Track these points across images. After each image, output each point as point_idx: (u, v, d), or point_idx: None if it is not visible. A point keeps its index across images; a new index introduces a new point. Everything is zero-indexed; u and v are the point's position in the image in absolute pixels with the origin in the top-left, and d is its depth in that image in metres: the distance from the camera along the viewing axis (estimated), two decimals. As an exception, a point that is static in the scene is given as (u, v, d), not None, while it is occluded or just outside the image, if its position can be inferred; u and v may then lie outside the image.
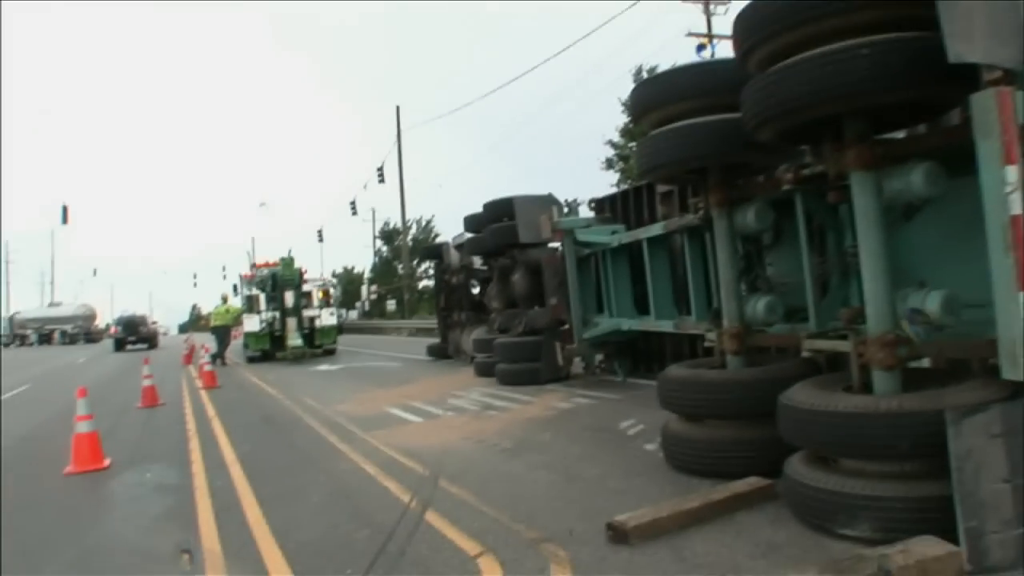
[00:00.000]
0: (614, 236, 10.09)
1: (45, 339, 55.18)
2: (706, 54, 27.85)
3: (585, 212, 13.62)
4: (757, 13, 4.30)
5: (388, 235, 59.00)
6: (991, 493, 3.25)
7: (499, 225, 12.81)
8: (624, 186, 20.90)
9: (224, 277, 69.86)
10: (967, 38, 3.40)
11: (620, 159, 33.74)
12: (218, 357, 20.26)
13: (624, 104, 33.98)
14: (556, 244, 11.63)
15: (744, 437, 5.17)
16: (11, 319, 59.51)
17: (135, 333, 37.24)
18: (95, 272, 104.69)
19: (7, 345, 53.32)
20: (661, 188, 9.90)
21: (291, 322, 21.49)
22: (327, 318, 22.92)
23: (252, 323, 21.69)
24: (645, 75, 32.26)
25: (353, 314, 49.90)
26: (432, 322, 25.33)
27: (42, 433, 10.07)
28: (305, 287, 22.86)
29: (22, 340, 55.80)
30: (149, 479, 6.69)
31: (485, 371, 12.73)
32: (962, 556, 3.19)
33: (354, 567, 4.00)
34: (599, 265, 10.88)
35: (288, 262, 22.31)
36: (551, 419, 8.21)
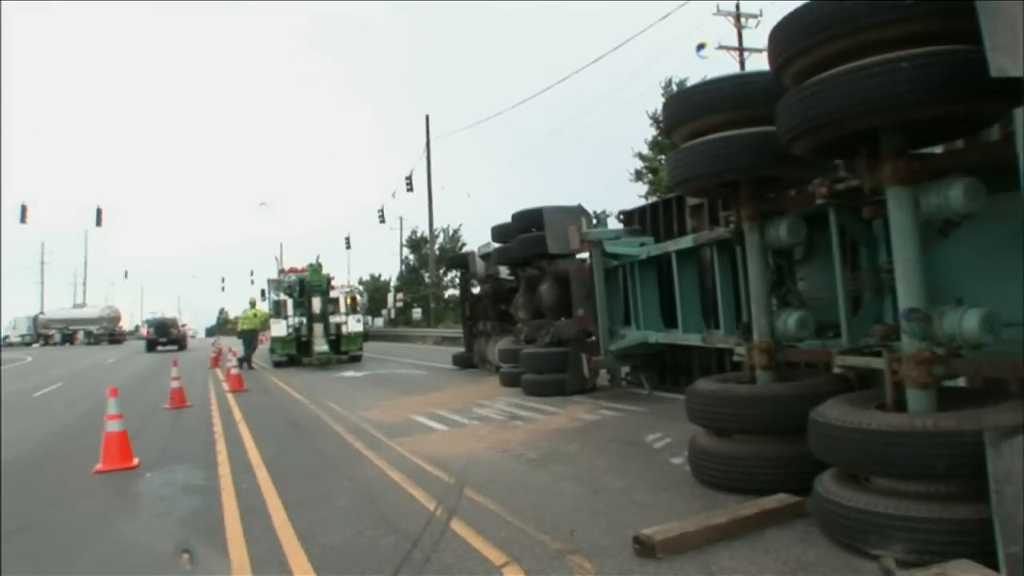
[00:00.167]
0: (643, 248, 10.05)
1: (68, 339, 57.07)
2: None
3: (613, 224, 13.59)
4: (793, 25, 4.27)
5: (415, 243, 59.27)
6: (1032, 518, 3.17)
7: (527, 235, 12.81)
8: (653, 198, 20.86)
9: (252, 282, 70.51)
10: (1010, 51, 3.34)
11: (649, 171, 33.60)
12: (245, 361, 20.45)
13: (652, 117, 33.92)
14: (584, 255, 11.62)
15: (773, 453, 5.10)
16: (35, 319, 61.19)
17: (166, 335, 39.29)
18: (126, 274, 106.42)
19: (30, 344, 55.03)
20: (691, 201, 9.85)
21: (318, 328, 21.65)
22: (353, 325, 23.06)
23: (279, 328, 21.89)
24: (675, 88, 32.19)
25: (379, 321, 50.14)
26: (457, 331, 25.38)
27: (73, 431, 10.22)
28: (332, 293, 23.05)
29: (46, 340, 57.50)
30: (177, 479, 6.75)
31: (510, 381, 12.72)
32: (1001, 582, 3.11)
33: (379, 573, 4.00)
34: (627, 277, 10.85)
35: (316, 268, 22.50)
36: (577, 430, 8.16)
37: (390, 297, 53.90)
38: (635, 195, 33.20)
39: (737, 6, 29.78)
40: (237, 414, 11.23)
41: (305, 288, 22.19)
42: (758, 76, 5.57)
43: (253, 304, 23.44)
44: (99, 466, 7.23)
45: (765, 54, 4.75)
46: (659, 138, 33.50)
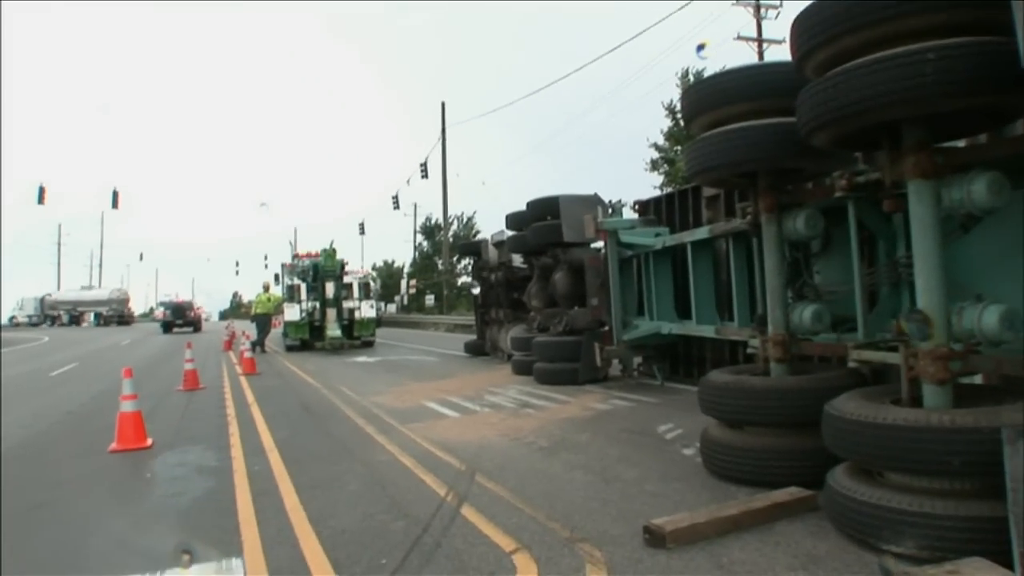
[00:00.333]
0: (658, 239, 10.01)
1: (75, 320, 58.94)
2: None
3: (628, 214, 13.54)
4: (817, 16, 4.21)
5: (429, 230, 59.32)
6: (1049, 517, 3.14)
7: (542, 224, 12.77)
8: (668, 189, 20.74)
9: (266, 266, 70.85)
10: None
11: (665, 162, 33.41)
12: (258, 344, 20.56)
13: (668, 108, 33.70)
14: (599, 244, 11.58)
15: (785, 446, 5.08)
16: (42, 300, 62.17)
17: (183, 317, 41.67)
18: (141, 256, 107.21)
19: (37, 325, 56.10)
20: (708, 192, 9.80)
21: (331, 313, 21.72)
22: (366, 310, 23.13)
23: (293, 312, 21.98)
24: (692, 78, 31.95)
25: (392, 307, 50.28)
26: (470, 318, 25.42)
27: (87, 410, 10.33)
28: (346, 279, 23.10)
29: (53, 320, 58.59)
30: (190, 460, 6.80)
31: (523, 369, 12.72)
32: (1016, 582, 3.08)
33: (389, 557, 4.02)
34: (641, 267, 10.81)
35: (330, 253, 22.55)
36: (589, 420, 8.16)
37: (403, 283, 54.00)
38: (650, 186, 33.10)
39: (757, -4, 29.47)
40: (250, 397, 11.30)
41: (319, 273, 22.26)
42: (779, 66, 5.52)
43: (267, 288, 23.55)
44: (114, 445, 7.31)
45: (785, 45, 4.70)
46: (675, 128, 33.29)
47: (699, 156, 5.85)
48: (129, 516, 5.15)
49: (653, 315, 10.12)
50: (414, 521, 4.63)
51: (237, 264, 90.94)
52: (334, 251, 22.86)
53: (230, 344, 23.32)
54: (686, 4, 28.84)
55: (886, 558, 3.44)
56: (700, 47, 25.90)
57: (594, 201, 12.25)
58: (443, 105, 42.53)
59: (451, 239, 48.30)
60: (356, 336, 22.60)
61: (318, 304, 21.99)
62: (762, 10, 29.55)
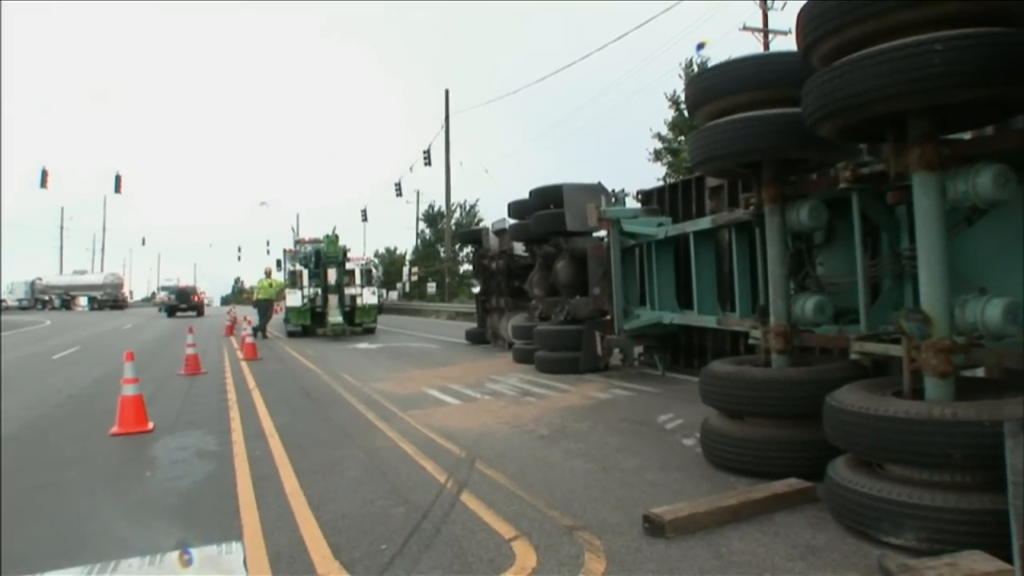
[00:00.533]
0: (660, 228, 9.99)
1: (66, 304, 59.60)
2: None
3: (631, 203, 13.50)
4: (824, 5, 4.18)
5: (432, 218, 59.27)
6: (1048, 510, 3.13)
7: (545, 212, 12.74)
8: (671, 179, 20.68)
9: (268, 252, 70.91)
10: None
11: (668, 152, 33.30)
12: (260, 330, 20.59)
13: (672, 99, 33.56)
14: (601, 233, 11.56)
15: (786, 437, 5.09)
16: (32, 284, 62.44)
17: (186, 301, 43.61)
18: (144, 241, 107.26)
19: (27, 309, 56.47)
20: (711, 182, 9.76)
21: (333, 299, 21.72)
22: (368, 297, 23.12)
23: (294, 298, 21.98)
24: (696, 69, 31.81)
25: (393, 295, 50.30)
26: (471, 306, 25.40)
27: (89, 393, 10.36)
28: (348, 265, 23.09)
29: (44, 304, 58.99)
30: (191, 444, 6.82)
31: (524, 357, 12.72)
32: (1014, 575, 3.08)
33: (389, 543, 4.03)
34: (643, 257, 10.79)
35: (332, 240, 22.51)
36: (589, 409, 8.16)
37: (405, 271, 54.00)
38: (653, 176, 33.03)
39: (763, -14, 29.27)
40: (251, 382, 11.32)
41: (321, 259, 22.25)
42: (784, 56, 5.48)
43: (269, 274, 23.55)
44: (115, 429, 7.33)
45: (791, 36, 4.67)
46: (679, 119, 33.15)
47: (703, 145, 5.83)
48: (130, 499, 5.16)
49: (655, 305, 10.11)
50: (414, 507, 4.65)
51: (239, 250, 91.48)
52: (336, 237, 22.81)
53: (232, 329, 23.36)
54: (693, -7, 28.66)
55: (886, 556, 3.44)
56: (700, 46, 25.81)
57: (598, 190, 12.22)
58: (447, 92, 42.47)
59: (454, 227, 48.27)
60: (358, 323, 22.61)
61: (320, 290, 21.98)
62: (768, 0, 29.38)
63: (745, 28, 28.80)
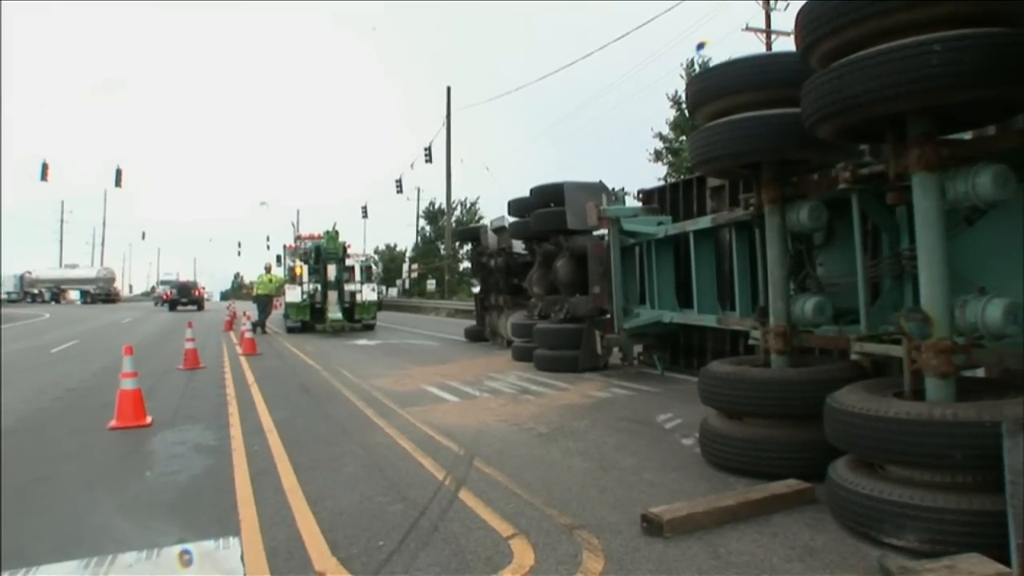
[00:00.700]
0: (660, 227, 9.99)
1: (56, 298, 60.30)
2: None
3: (631, 202, 13.48)
4: (822, 6, 4.17)
5: (432, 215, 59.24)
6: (1047, 511, 3.13)
7: (546, 210, 12.73)
8: (672, 179, 20.67)
9: (268, 248, 70.92)
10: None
11: (669, 152, 33.29)
12: (259, 325, 20.58)
13: (673, 99, 33.53)
14: (602, 232, 11.55)
15: (785, 438, 5.08)
16: (21, 277, 62.50)
17: (187, 296, 45.05)
18: (144, 235, 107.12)
19: (16, 302, 56.61)
20: (712, 182, 9.75)
21: (332, 295, 21.73)
22: (368, 293, 23.10)
23: (294, 294, 21.96)
24: (697, 69, 31.79)
25: (393, 291, 50.31)
26: (470, 304, 25.38)
27: (87, 387, 10.35)
28: (348, 262, 23.08)
29: (33, 298, 59.22)
30: (189, 439, 6.82)
31: (523, 355, 12.72)
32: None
33: (387, 539, 4.02)
34: (643, 255, 10.79)
35: (332, 235, 22.50)
36: (588, 407, 8.16)
37: (405, 267, 53.99)
38: (653, 176, 33.01)
39: (766, -14, 29.23)
40: (250, 377, 11.31)
41: (321, 255, 22.25)
42: (785, 57, 5.47)
43: (268, 269, 23.52)
44: (113, 423, 7.33)
45: (791, 38, 4.66)
46: (680, 119, 33.12)
47: (703, 145, 5.82)
48: (127, 493, 5.15)
49: (654, 304, 10.10)
50: (412, 504, 4.64)
51: (239, 245, 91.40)
52: (337, 233, 22.79)
53: (231, 324, 23.36)
54: (695, -7, 28.63)
55: (886, 556, 3.44)
56: (700, 45, 25.79)
57: (598, 188, 12.21)
58: (448, 90, 42.50)
59: (454, 224, 48.26)
60: (357, 319, 22.58)
61: (320, 286, 21.97)
62: (771, 1, 29.34)
63: (748, 29, 28.77)
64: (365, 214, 61.23)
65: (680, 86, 33.21)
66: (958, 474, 3.66)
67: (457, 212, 53.19)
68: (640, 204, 12.00)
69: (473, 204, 56.39)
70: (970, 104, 4.00)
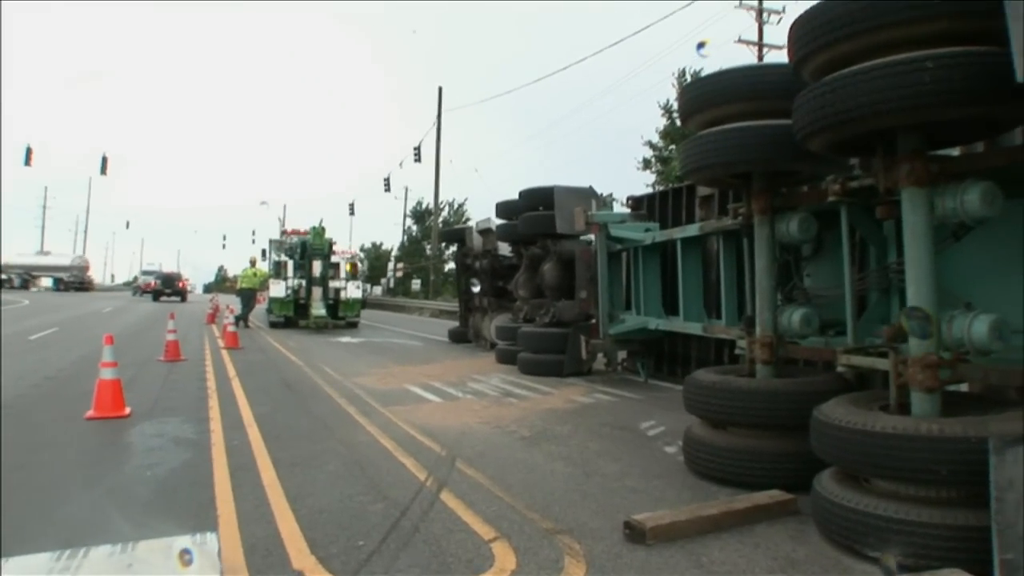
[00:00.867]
0: (648, 234, 9.98)
1: (25, 284, 59.09)
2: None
3: (619, 209, 13.49)
4: (816, 20, 4.17)
5: (419, 215, 59.11)
6: (1031, 527, 3.14)
7: (535, 213, 12.71)
8: (660, 188, 20.72)
9: (253, 241, 70.43)
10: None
11: (658, 160, 33.41)
12: (242, 319, 20.42)
13: (664, 107, 33.68)
14: (589, 237, 11.54)
15: (768, 448, 5.09)
16: None
17: (171, 287, 45.47)
18: (128, 224, 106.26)
19: None
20: (702, 191, 9.78)
21: (317, 291, 21.62)
22: (353, 291, 23.02)
23: (278, 289, 21.84)
24: (689, 78, 31.94)
25: (377, 290, 50.14)
26: (455, 304, 25.33)
27: (65, 375, 10.21)
28: (333, 258, 22.96)
29: (0, 284, 58.35)
30: (168, 431, 6.73)
31: (506, 358, 12.70)
32: (994, 590, 3.09)
33: (367, 539, 3.98)
34: (630, 262, 10.79)
35: (319, 232, 22.39)
36: (571, 412, 8.15)
37: (390, 266, 53.83)
38: (642, 183, 33.13)
39: (760, 0, 29.44)
40: (231, 371, 11.22)
41: (307, 251, 22.13)
42: (778, 68, 5.48)
43: (253, 263, 23.39)
44: (91, 412, 7.22)
45: (783, 51, 4.68)
46: (670, 127, 33.26)
47: (694, 154, 5.82)
48: (103, 485, 5.07)
49: (640, 310, 10.10)
50: (393, 504, 4.60)
51: (224, 238, 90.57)
52: (323, 229, 22.67)
53: (213, 317, 23.18)
54: (689, 3, 28.79)
55: (887, 558, 3.45)
56: (700, 45, 25.83)
57: (588, 194, 12.20)
58: (440, 90, 42.39)
59: (441, 225, 48.19)
60: (341, 316, 22.48)
61: (304, 282, 21.85)
62: (764, 14, 29.55)
63: (741, 41, 28.94)
64: (352, 211, 61.04)
65: (671, 95, 33.38)
66: (943, 489, 3.67)
67: (444, 213, 53.11)
68: (628, 210, 12.02)
69: (460, 205, 56.35)
70: (959, 121, 4.02)
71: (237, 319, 18.51)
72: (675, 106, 32.76)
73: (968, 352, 4.09)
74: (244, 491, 4.86)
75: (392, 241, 65.73)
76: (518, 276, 14.18)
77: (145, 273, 61.84)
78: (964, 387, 4.63)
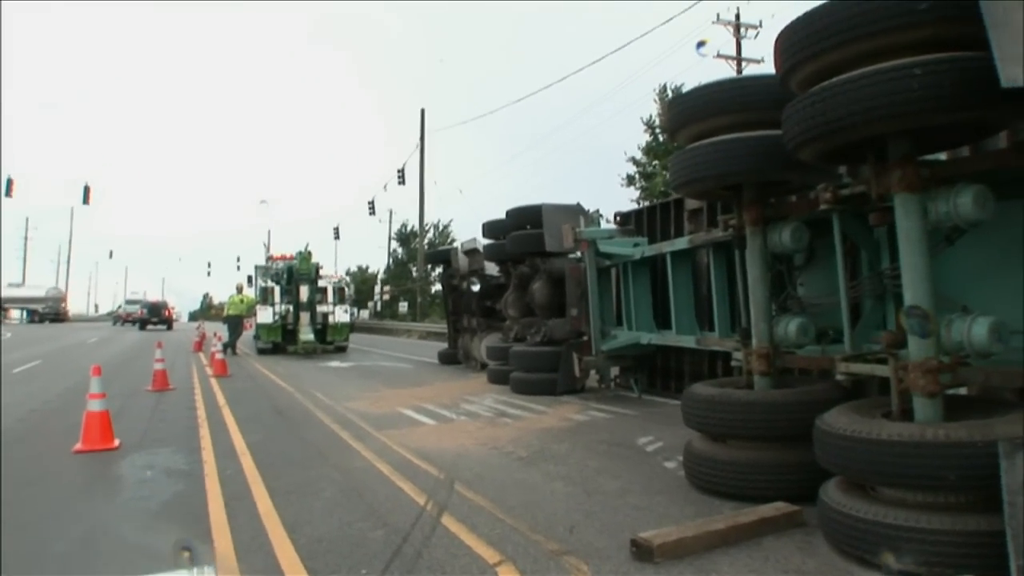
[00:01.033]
0: (636, 248, 9.98)
1: None
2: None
3: (605, 225, 13.48)
4: (802, 30, 4.17)
5: (404, 237, 59.03)
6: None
7: (523, 232, 12.69)
8: (645, 203, 20.78)
9: (238, 268, 70.02)
10: (1021, 61, 3.29)
11: (642, 177, 33.55)
12: (229, 346, 20.24)
13: (647, 123, 33.87)
14: (578, 254, 11.52)
15: (770, 460, 5.05)
16: None
17: (157, 315, 46.44)
18: (111, 254, 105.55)
19: None
20: (690, 205, 9.79)
21: (304, 316, 21.46)
22: (340, 315, 22.90)
23: (265, 315, 21.69)
24: (670, 93, 32.17)
25: (364, 313, 49.94)
26: (443, 326, 25.24)
27: (51, 408, 10.05)
28: (320, 283, 22.84)
29: None
30: (159, 463, 6.61)
31: (498, 378, 12.62)
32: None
33: (369, 567, 3.89)
34: (619, 277, 10.78)
35: (305, 256, 22.28)
36: (567, 430, 8.07)
37: (377, 289, 53.65)
38: (626, 200, 33.21)
39: (737, 15, 29.78)
40: (221, 399, 11.08)
41: (293, 276, 21.99)
42: (765, 79, 5.48)
43: (240, 289, 23.22)
44: (79, 446, 7.08)
45: (760, 66, 4.71)
46: (653, 144, 33.45)
47: (685, 167, 5.81)
48: (94, 519, 4.95)
49: (632, 325, 10.07)
50: (393, 530, 4.51)
51: (209, 265, 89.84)
52: (309, 254, 22.58)
53: (200, 345, 22.96)
54: (669, 20, 29.12)
55: (887, 557, 3.41)
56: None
57: (577, 211, 12.18)
58: (423, 112, 42.53)
59: (426, 246, 48.14)
60: (329, 341, 22.34)
61: (292, 307, 21.71)
62: (742, 30, 29.86)
63: (720, 56, 29.19)
64: (337, 235, 60.82)
65: (654, 111, 33.59)
66: (951, 495, 3.62)
67: (429, 234, 53.07)
68: (615, 227, 12.02)
69: (446, 227, 56.34)
70: (948, 126, 4.04)
71: (225, 346, 18.34)
72: (658, 122, 33.01)
73: (968, 355, 4.08)
74: (240, 521, 4.76)
75: (378, 264, 65.52)
76: (507, 295, 14.14)
77: (129, 302, 61.45)
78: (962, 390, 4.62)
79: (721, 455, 5.27)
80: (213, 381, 13.74)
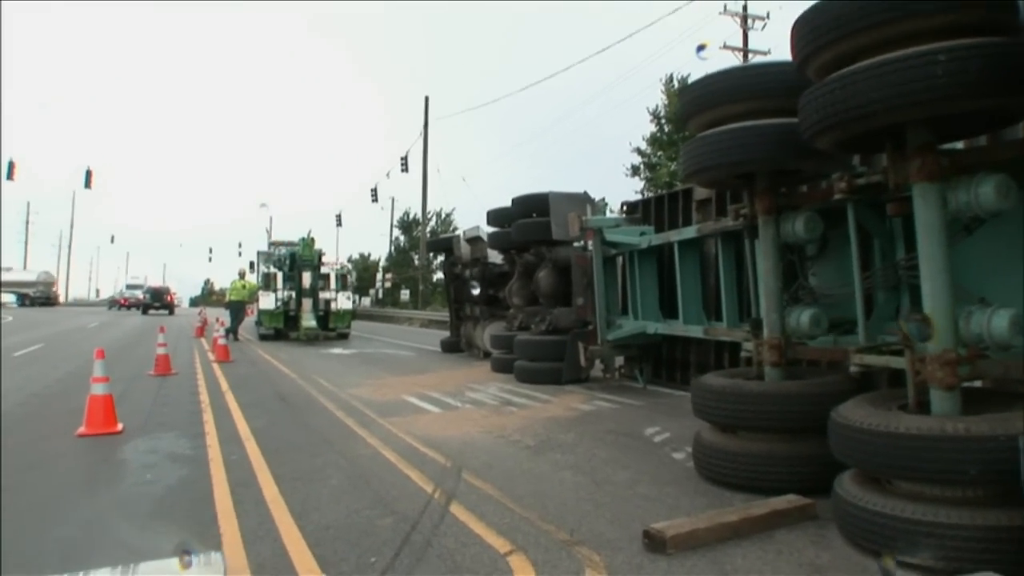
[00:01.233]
0: (643, 237, 9.90)
1: None
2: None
3: (611, 214, 13.42)
4: (820, 18, 4.10)
5: (406, 225, 58.92)
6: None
7: (528, 220, 12.60)
8: (650, 193, 20.69)
9: (240, 254, 69.89)
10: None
11: (647, 167, 33.41)
12: (231, 332, 20.19)
13: (653, 113, 33.72)
14: (581, 243, 11.45)
15: (782, 452, 5.00)
16: None
17: (160, 300, 47.01)
18: (112, 239, 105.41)
19: None
20: (698, 195, 9.70)
21: (307, 303, 21.38)
22: (343, 302, 22.82)
23: (268, 301, 21.62)
24: (676, 84, 32.03)
25: (366, 300, 49.92)
26: (445, 314, 25.19)
27: (53, 392, 10.00)
28: (323, 269, 22.77)
29: None
30: (163, 447, 6.57)
31: (502, 367, 12.56)
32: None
33: (378, 555, 3.84)
34: (626, 266, 10.70)
35: (308, 243, 22.20)
36: (573, 420, 8.02)
37: (378, 277, 53.59)
38: (631, 190, 33.08)
39: (745, 6, 29.59)
40: (224, 384, 11.04)
41: (296, 262, 21.92)
42: (780, 66, 5.40)
43: (242, 275, 23.15)
44: (82, 429, 7.04)
45: (767, 58, 4.61)
46: (658, 134, 33.32)
47: (697, 155, 5.74)
48: (98, 504, 4.91)
49: (638, 314, 10.00)
50: (402, 518, 4.47)
51: (211, 251, 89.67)
52: (312, 240, 22.49)
53: (202, 330, 22.93)
54: (676, 10, 28.97)
55: (887, 560, 3.36)
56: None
57: (583, 199, 12.10)
58: (426, 100, 42.49)
59: (428, 235, 48.03)
60: (331, 327, 22.27)
61: (294, 294, 21.64)
62: (749, 21, 29.67)
63: (726, 47, 29.02)
64: (339, 222, 60.70)
65: (659, 101, 33.45)
66: (971, 489, 3.56)
67: (432, 222, 52.98)
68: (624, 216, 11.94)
69: (448, 215, 56.23)
70: (970, 114, 3.96)
71: (227, 332, 18.30)
72: (663, 112, 32.87)
73: (987, 348, 4.02)
74: (246, 508, 4.71)
75: (380, 252, 65.39)
76: (512, 284, 14.07)
77: (130, 287, 61.48)
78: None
79: (732, 446, 5.22)
80: (215, 366, 13.71)
